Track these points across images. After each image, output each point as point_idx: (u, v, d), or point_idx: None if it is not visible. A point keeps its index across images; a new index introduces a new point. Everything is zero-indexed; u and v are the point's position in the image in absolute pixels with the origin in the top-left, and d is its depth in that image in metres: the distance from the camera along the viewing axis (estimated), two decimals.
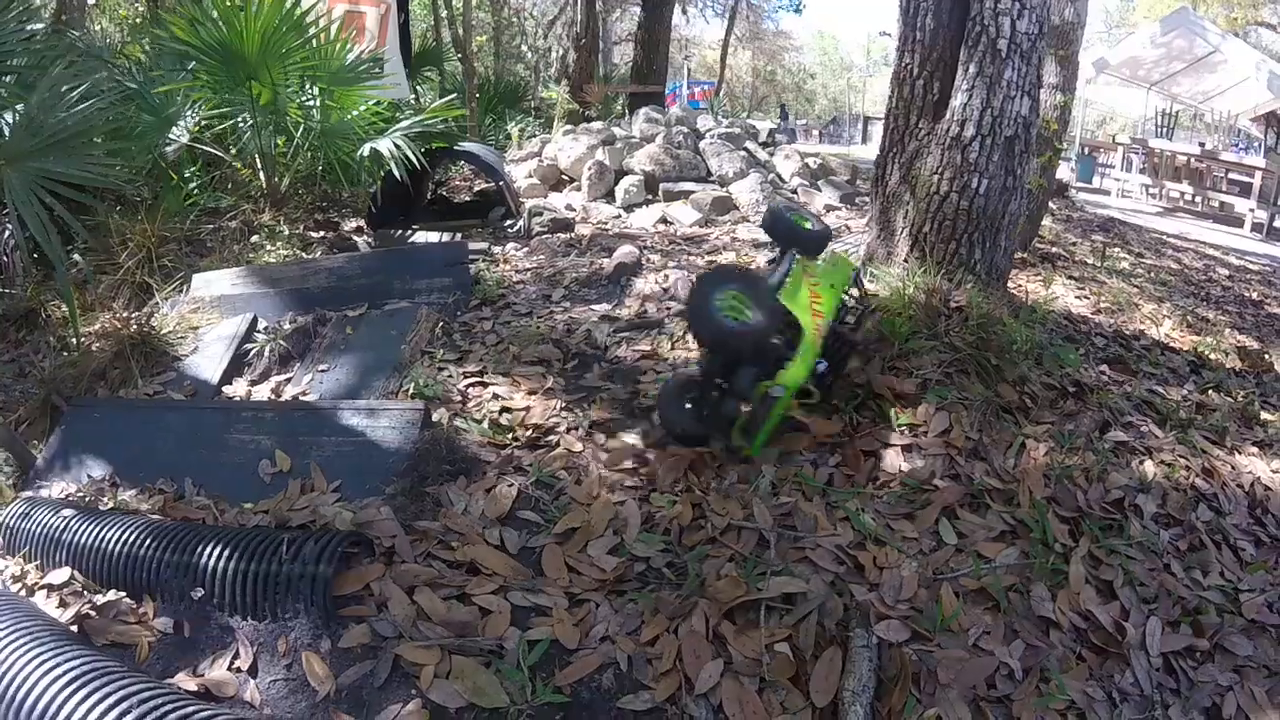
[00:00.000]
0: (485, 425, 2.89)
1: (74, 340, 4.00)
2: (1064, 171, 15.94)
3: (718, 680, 1.84)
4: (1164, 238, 9.43)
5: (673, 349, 3.49)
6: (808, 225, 3.19)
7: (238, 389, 3.58)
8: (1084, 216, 9.46)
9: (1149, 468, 2.95)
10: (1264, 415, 3.68)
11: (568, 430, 2.86)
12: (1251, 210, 12.40)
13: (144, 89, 5.71)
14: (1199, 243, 9.56)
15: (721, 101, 16.20)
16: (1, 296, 4.55)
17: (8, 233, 4.52)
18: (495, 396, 3.11)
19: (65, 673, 1.77)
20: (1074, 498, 2.68)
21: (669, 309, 3.94)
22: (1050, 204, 9.64)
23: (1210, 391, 3.89)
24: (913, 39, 4.03)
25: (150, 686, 1.78)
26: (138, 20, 12.13)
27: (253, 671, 2.00)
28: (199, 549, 2.23)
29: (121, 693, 1.72)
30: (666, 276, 4.33)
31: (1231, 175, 14.96)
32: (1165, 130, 16.83)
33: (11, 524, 2.64)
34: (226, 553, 2.20)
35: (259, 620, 2.10)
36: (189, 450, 2.97)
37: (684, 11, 21.25)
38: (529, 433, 2.86)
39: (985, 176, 3.77)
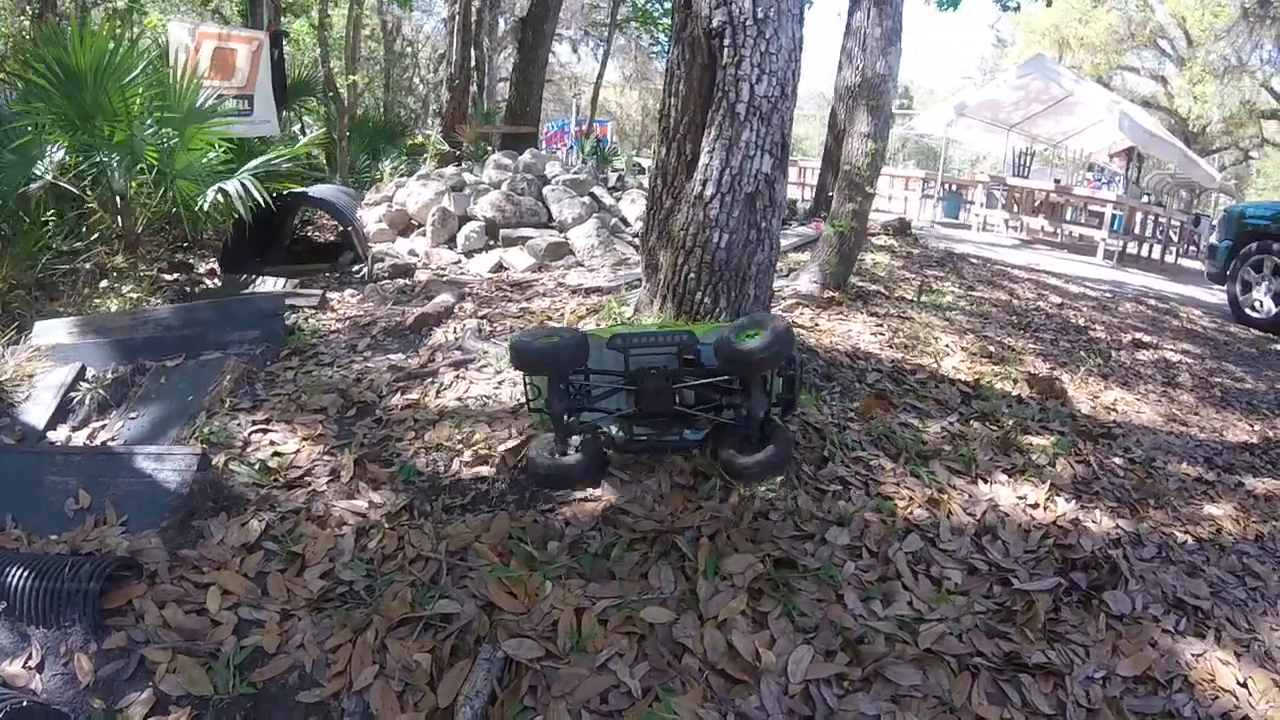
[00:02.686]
0: (256, 468, 3.39)
1: None
2: (928, 209, 17.04)
3: (371, 681, 2.35)
4: (1009, 269, 9.99)
5: (437, 397, 4.01)
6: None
7: (60, 434, 4.04)
8: (925, 253, 9.95)
9: (861, 499, 3.21)
10: (1032, 440, 3.98)
11: (322, 473, 3.40)
12: (1103, 240, 13.49)
13: (6, 121, 5.93)
14: (1046, 272, 10.21)
15: (607, 139, 16.79)
16: None
17: None
18: (271, 442, 3.62)
19: None
20: (751, 531, 2.93)
21: (452, 359, 4.46)
22: (892, 242, 10.44)
23: (974, 421, 4.15)
24: (669, 104, 4.35)
25: None
26: (23, 36, 12.16)
27: (40, 668, 2.50)
28: (5, 570, 2.73)
29: None
30: (464, 326, 4.91)
31: (1091, 207, 16.19)
32: (1023, 168, 17.97)
33: None
34: (26, 573, 2.68)
35: (49, 628, 2.60)
36: (11, 489, 3.39)
37: (574, 50, 21.96)
38: (290, 474, 3.38)
39: (726, 231, 4.02)
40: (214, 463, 3.42)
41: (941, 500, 3.29)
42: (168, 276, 6.42)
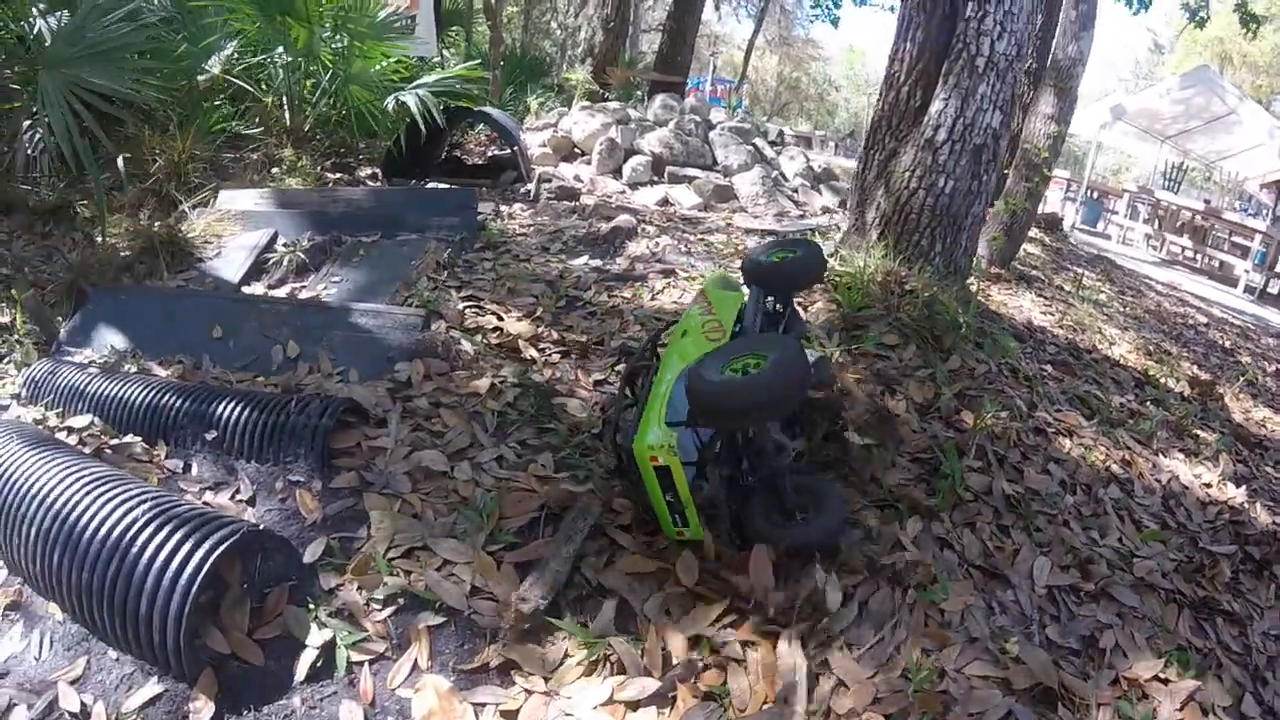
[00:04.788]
0: (477, 337, 3.26)
1: (101, 237, 4.26)
2: (1069, 212, 16.26)
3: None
4: (1151, 282, 9.65)
5: (652, 299, 3.84)
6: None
7: (256, 289, 3.93)
8: (1074, 251, 9.71)
9: (1067, 444, 3.26)
10: (1199, 434, 3.94)
11: (548, 348, 3.25)
12: (1247, 272, 12.58)
13: (186, 18, 5.95)
14: (1188, 294, 9.77)
15: (743, 102, 16.48)
16: (30, 192, 4.79)
17: (38, 134, 4.76)
18: (493, 314, 3.50)
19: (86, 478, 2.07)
20: (988, 452, 2.96)
21: (658, 269, 4.30)
22: (1043, 236, 9.94)
23: (1149, 404, 4.14)
24: (903, 50, 4.44)
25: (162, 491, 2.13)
26: None
27: (251, 502, 2.33)
28: (214, 403, 2.55)
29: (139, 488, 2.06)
30: (658, 243, 4.68)
31: (1235, 237, 15.19)
32: (1173, 184, 17.00)
33: (38, 378, 2.89)
34: (240, 406, 2.52)
35: (260, 464, 2.43)
36: (207, 333, 3.25)
37: (716, 8, 21.57)
38: (513, 347, 3.23)
39: (951, 178, 4.12)
40: (434, 327, 3.25)
41: (1134, 462, 3.35)
42: (331, 175, 6.31)
